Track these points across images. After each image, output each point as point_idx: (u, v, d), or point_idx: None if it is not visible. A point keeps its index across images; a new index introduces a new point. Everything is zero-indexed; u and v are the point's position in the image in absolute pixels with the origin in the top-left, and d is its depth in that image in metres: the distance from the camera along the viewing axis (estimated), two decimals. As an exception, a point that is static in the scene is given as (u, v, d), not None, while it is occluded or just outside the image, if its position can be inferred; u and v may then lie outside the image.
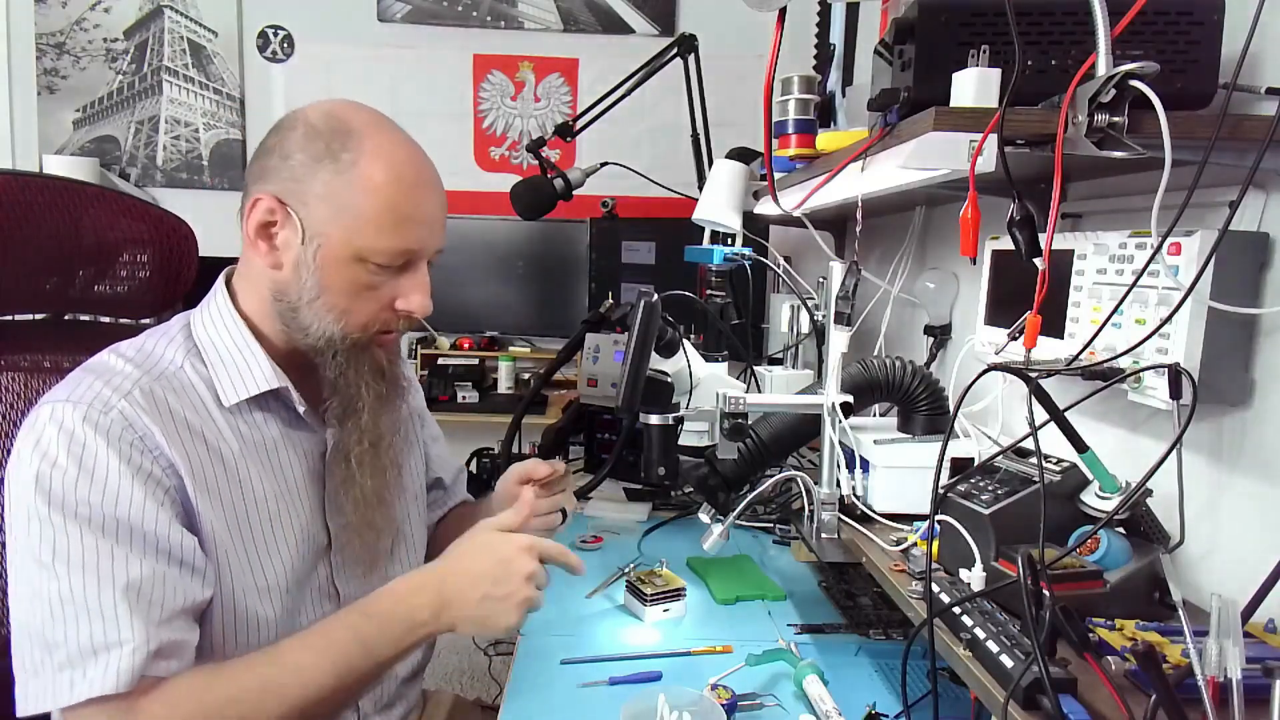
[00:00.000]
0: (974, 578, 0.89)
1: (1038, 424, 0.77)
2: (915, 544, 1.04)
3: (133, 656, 0.74)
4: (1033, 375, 0.79)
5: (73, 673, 0.73)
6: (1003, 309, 1.19)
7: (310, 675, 0.81)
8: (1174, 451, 0.80)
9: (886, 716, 0.99)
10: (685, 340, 1.28)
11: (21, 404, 1.06)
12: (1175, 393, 0.83)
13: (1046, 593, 0.69)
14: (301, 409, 0.92)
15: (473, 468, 2.50)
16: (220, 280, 0.94)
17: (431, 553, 1.13)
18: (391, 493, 1.02)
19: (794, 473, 1.19)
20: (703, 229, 1.69)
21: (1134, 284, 0.82)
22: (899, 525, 1.13)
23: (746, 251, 1.65)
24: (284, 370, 0.91)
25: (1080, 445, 0.87)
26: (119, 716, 0.74)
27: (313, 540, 0.93)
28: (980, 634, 0.78)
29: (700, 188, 1.77)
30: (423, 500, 1.16)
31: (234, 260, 0.95)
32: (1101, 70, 0.73)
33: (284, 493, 0.91)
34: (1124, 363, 0.87)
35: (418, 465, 1.15)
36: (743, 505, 1.16)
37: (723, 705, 0.96)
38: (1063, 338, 1.01)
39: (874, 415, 1.48)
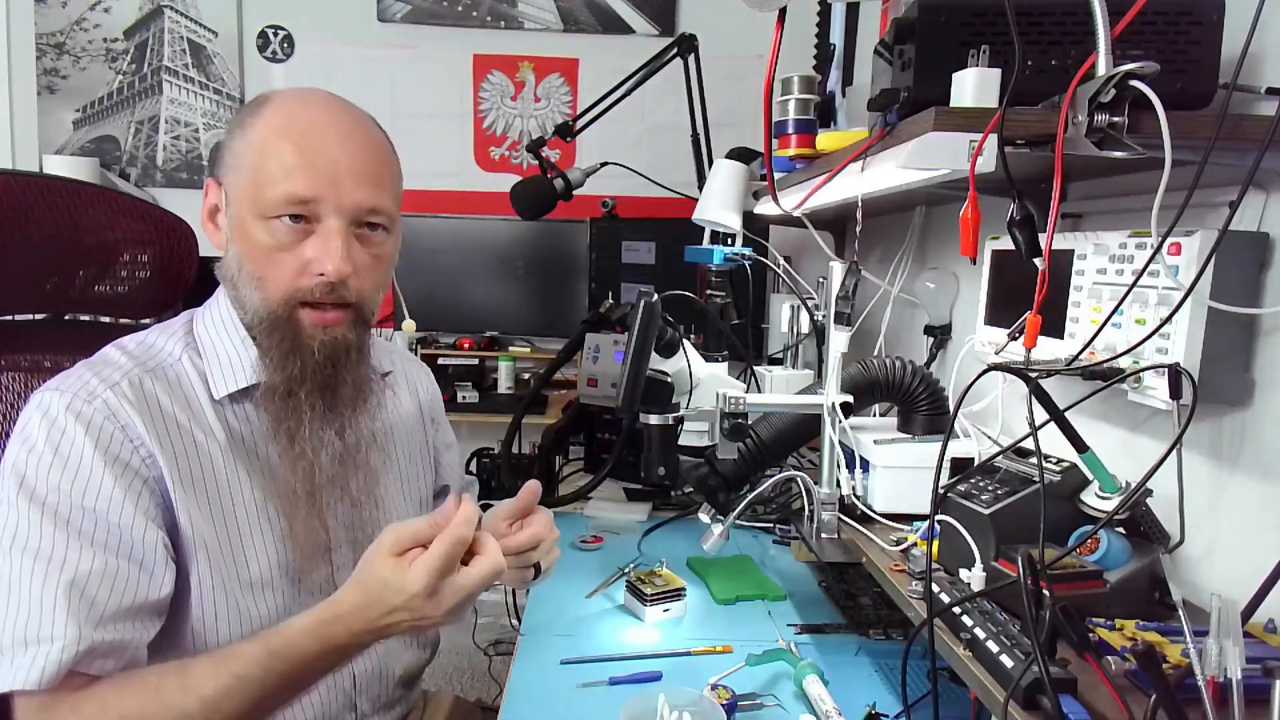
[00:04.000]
0: (974, 578, 0.90)
1: (1038, 424, 0.77)
2: (915, 544, 1.04)
3: (60, 654, 0.73)
4: (1033, 375, 0.79)
5: (1, 660, 0.74)
6: (1003, 309, 1.19)
7: (221, 702, 0.77)
8: (1174, 451, 0.80)
9: (886, 716, 0.99)
10: (685, 340, 1.28)
11: (21, 404, 1.05)
12: (1175, 393, 0.83)
13: (1046, 593, 0.69)
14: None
15: (473, 468, 2.50)
16: None
17: None
18: (388, 493, 1.01)
19: (794, 473, 1.19)
20: (703, 229, 1.69)
21: (1134, 284, 0.82)
22: (899, 525, 1.13)
23: (746, 251, 1.65)
24: None
25: (1080, 445, 0.87)
26: (37, 712, 0.74)
27: (311, 538, 0.91)
28: (980, 634, 0.78)
29: (700, 188, 1.77)
30: (429, 506, 1.13)
31: None
32: (1101, 70, 0.73)
33: (273, 488, 0.90)
34: (1124, 363, 0.87)
35: (425, 469, 1.12)
36: (743, 505, 1.16)
37: (723, 705, 0.96)
38: (1063, 338, 1.01)
39: (874, 415, 1.48)
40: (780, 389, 1.63)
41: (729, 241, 1.67)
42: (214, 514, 0.86)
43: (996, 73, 0.80)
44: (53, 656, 0.73)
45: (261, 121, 0.86)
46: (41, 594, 0.75)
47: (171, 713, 0.75)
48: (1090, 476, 0.90)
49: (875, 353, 1.65)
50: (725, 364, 1.47)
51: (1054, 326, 1.02)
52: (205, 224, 0.92)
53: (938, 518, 0.96)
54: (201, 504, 0.85)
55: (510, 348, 2.92)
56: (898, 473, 1.16)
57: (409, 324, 2.61)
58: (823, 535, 1.14)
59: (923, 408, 1.24)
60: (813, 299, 1.75)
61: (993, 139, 0.77)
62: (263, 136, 0.85)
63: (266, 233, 0.85)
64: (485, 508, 1.18)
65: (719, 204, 1.58)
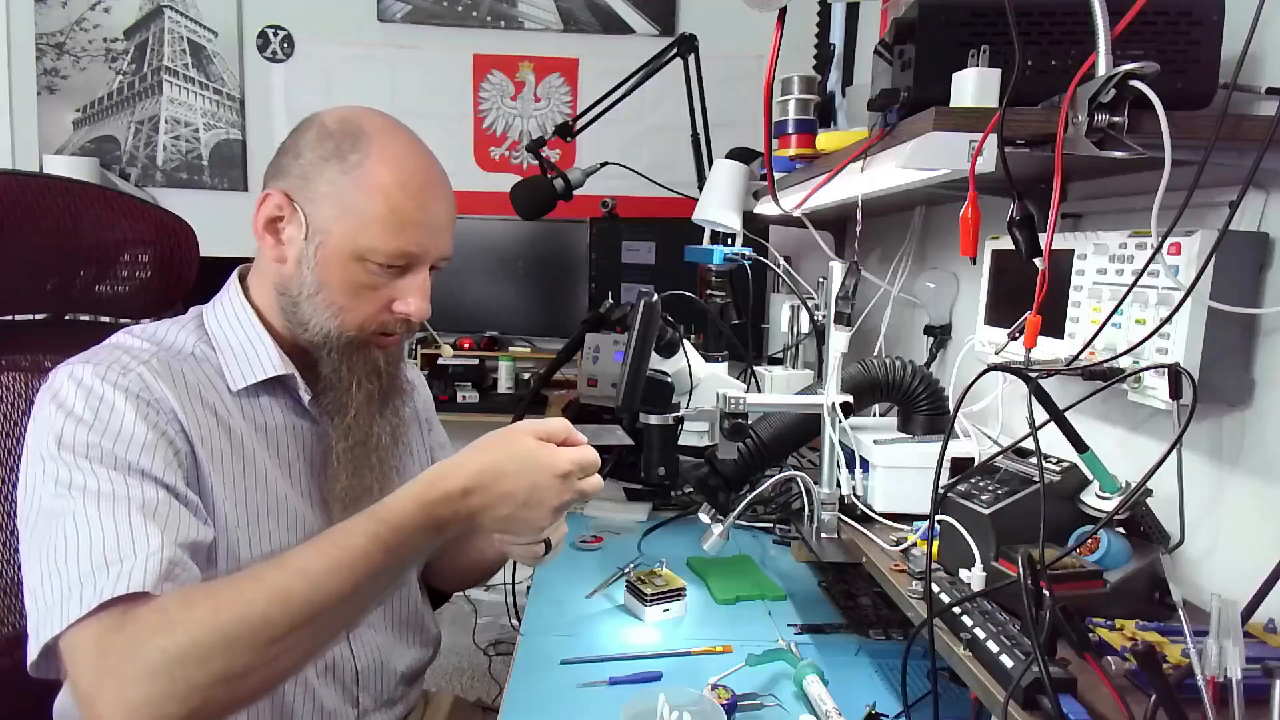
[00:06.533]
0: (974, 578, 0.90)
1: (1038, 424, 0.77)
2: (915, 544, 1.04)
3: (154, 559, 0.71)
4: (1033, 375, 0.79)
5: (82, 589, 0.69)
6: (1003, 309, 1.19)
7: (324, 580, 0.72)
8: (1174, 451, 0.80)
9: (886, 716, 0.99)
10: (685, 340, 1.28)
11: (22, 404, 1.06)
12: (1175, 393, 0.83)
13: (1046, 593, 0.69)
14: (306, 397, 0.94)
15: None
16: (234, 275, 0.98)
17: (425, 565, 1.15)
18: (384, 492, 1.02)
19: (794, 473, 1.19)
20: (703, 229, 1.69)
21: (1134, 284, 0.82)
22: (899, 525, 1.13)
23: (746, 251, 1.65)
24: (291, 360, 0.93)
25: (1080, 445, 0.87)
26: (112, 629, 0.68)
27: (312, 529, 0.92)
28: (980, 634, 0.78)
29: (700, 188, 1.77)
30: None
31: (237, 260, 0.99)
32: (1101, 70, 0.73)
33: (284, 477, 0.93)
34: (1124, 363, 0.87)
35: (424, 469, 1.13)
36: (743, 505, 1.16)
37: (723, 705, 0.96)
38: (1063, 338, 1.01)
39: (874, 415, 1.48)
40: (780, 389, 1.64)
41: (729, 241, 1.67)
42: (234, 492, 0.88)
43: (996, 73, 0.80)
44: (151, 561, 0.71)
45: (372, 165, 0.86)
46: (115, 519, 0.73)
47: (273, 590, 0.71)
48: (1090, 476, 0.90)
49: (875, 353, 1.65)
50: (725, 364, 1.47)
51: (1054, 326, 1.02)
52: (261, 234, 0.91)
53: (938, 518, 0.96)
54: (225, 482, 0.87)
55: (510, 348, 2.92)
56: (898, 473, 1.16)
57: (446, 349, 2.59)
58: (823, 535, 1.14)
59: (923, 408, 1.24)
60: (813, 299, 1.75)
61: (993, 139, 0.77)
62: (379, 184, 0.86)
63: (362, 272, 0.88)
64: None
65: (719, 204, 1.59)
